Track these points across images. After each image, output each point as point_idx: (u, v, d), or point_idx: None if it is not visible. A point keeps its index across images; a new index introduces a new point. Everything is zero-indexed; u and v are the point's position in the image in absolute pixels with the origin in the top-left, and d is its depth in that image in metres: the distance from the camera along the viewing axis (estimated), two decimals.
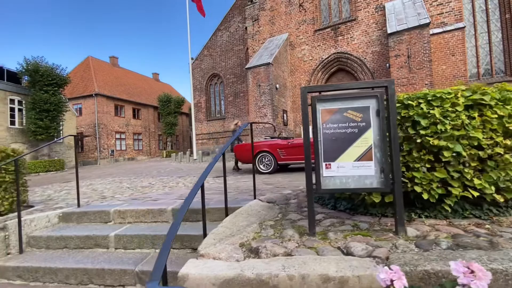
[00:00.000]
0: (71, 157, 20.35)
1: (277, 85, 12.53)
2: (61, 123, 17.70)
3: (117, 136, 25.21)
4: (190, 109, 33.50)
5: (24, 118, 16.86)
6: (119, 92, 26.18)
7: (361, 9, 12.48)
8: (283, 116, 13.11)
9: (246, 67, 12.84)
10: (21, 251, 2.59)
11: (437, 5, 10.84)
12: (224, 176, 2.41)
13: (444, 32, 10.60)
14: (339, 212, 2.05)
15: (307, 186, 1.56)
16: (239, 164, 7.95)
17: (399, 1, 11.25)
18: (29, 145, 17.13)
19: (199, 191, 1.70)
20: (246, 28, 16.02)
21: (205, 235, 1.97)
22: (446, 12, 10.69)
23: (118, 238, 2.51)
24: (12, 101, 16.39)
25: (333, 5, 13.52)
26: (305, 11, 13.91)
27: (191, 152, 18.57)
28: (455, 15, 10.59)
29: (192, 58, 24.59)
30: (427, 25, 9.12)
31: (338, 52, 13.00)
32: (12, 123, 16.43)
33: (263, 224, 1.87)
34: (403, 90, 9.42)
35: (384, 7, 11.71)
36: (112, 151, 24.44)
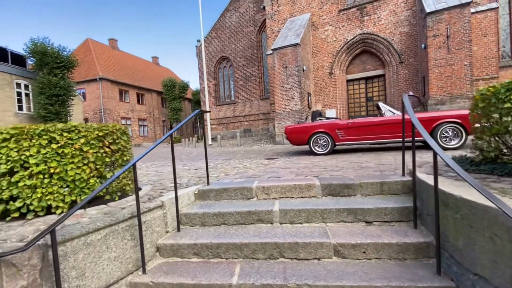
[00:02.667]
0: None
1: (304, 67, 12.29)
2: (70, 108, 17.02)
3: (123, 122, 24.57)
4: (193, 95, 32.90)
5: (31, 103, 16.15)
6: (122, 76, 25.29)
7: None
8: (308, 99, 12.97)
9: (272, 48, 12.48)
10: (178, 228, 2.49)
11: None
12: (413, 150, 2.31)
13: (477, 12, 10.48)
14: None
15: None
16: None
17: None
18: None
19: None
20: (264, 7, 15.44)
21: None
22: None
23: (284, 212, 2.43)
24: (18, 85, 15.60)
25: None
26: None
27: (201, 138, 18.30)
28: None
29: (198, 41, 23.84)
30: (468, 4, 8.99)
31: (364, 33, 12.77)
32: (20, 108, 15.71)
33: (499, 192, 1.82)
34: (441, 71, 9.40)
35: None
36: None
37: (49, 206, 2.28)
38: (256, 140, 16.82)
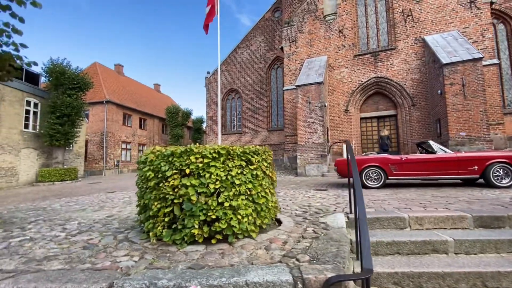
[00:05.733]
0: (81, 165, 19.07)
1: (325, 103, 12.99)
2: (78, 129, 16.51)
3: (123, 146, 23.90)
4: (194, 123, 33.04)
5: (38, 122, 15.55)
6: (127, 100, 25.20)
7: (400, 40, 13.64)
8: (327, 133, 13.49)
9: (296, 84, 13.22)
10: (358, 257, 2.48)
11: (473, 42, 12.22)
12: None
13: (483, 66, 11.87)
14: None
15: None
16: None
17: (439, 36, 12.55)
18: (40, 151, 15.67)
19: None
20: (282, 48, 16.59)
21: None
22: (481, 49, 12.06)
23: (460, 243, 2.52)
24: (28, 103, 15.10)
25: (372, 34, 14.65)
26: (345, 37, 14.86)
27: None
28: (489, 52, 11.99)
29: (208, 72, 24.77)
30: (480, 59, 10.24)
31: (378, 77, 13.90)
32: (26, 126, 15.04)
33: None
34: (459, 115, 10.31)
35: (423, 39, 12.94)
36: (118, 161, 23.03)
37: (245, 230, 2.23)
38: None
